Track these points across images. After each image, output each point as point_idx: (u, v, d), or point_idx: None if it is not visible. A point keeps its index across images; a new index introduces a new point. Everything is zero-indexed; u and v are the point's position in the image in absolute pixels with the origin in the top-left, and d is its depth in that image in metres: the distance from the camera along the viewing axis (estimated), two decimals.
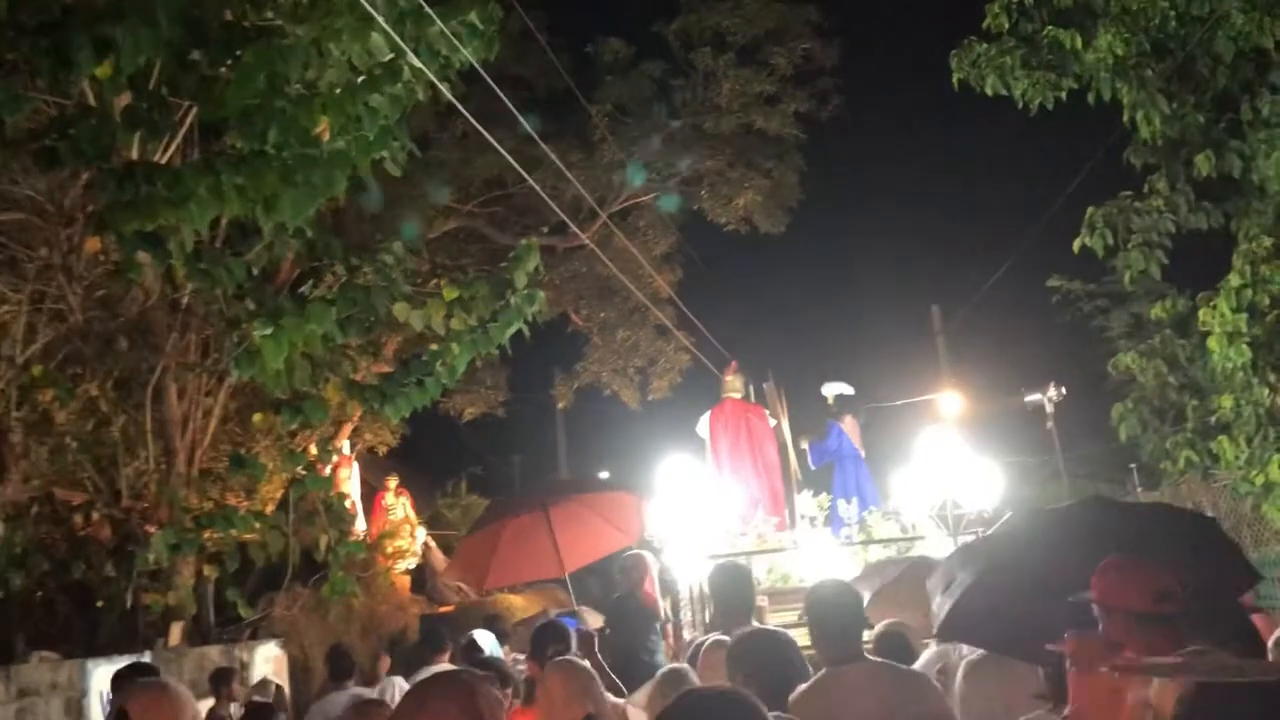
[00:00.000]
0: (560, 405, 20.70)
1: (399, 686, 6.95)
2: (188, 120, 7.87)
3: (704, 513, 9.58)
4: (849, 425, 11.25)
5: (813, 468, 11.26)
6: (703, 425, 10.98)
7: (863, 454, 11.16)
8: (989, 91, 9.65)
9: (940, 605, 3.72)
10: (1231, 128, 9.31)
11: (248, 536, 8.98)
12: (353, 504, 13.55)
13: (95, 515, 9.42)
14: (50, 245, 8.35)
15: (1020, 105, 9.71)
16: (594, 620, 8.67)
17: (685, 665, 3.96)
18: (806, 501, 10.13)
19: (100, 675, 6.96)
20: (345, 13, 6.43)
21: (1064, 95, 9.57)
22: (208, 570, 9.31)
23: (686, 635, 9.09)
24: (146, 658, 7.49)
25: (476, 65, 7.75)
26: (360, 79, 6.60)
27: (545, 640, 5.20)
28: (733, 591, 5.24)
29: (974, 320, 20.80)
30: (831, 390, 11.45)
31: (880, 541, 9.39)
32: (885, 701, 3.62)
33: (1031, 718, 3.29)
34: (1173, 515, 4.45)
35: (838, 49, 17.05)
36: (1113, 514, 3.95)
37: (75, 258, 8.32)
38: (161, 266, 6.77)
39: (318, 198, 6.66)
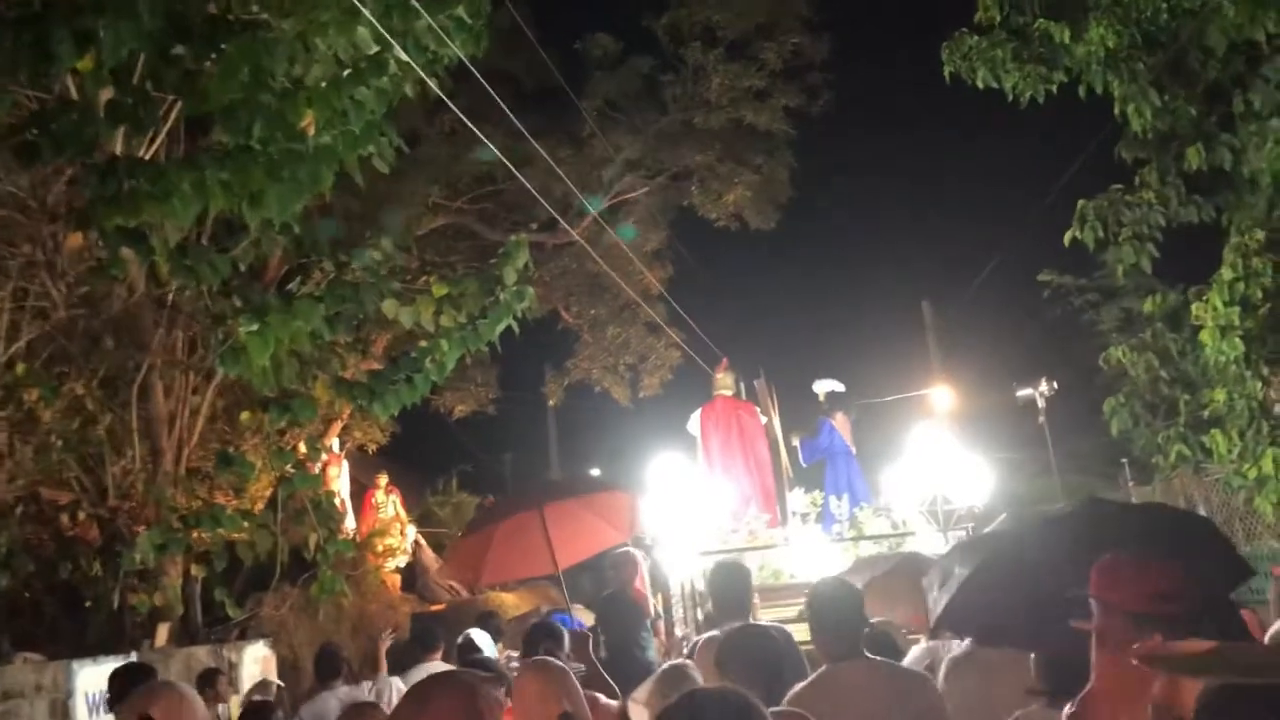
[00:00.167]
0: (551, 403, 20.66)
1: (396, 687, 6.89)
2: (172, 115, 7.80)
3: (695, 510, 9.58)
4: (840, 422, 11.25)
5: (804, 465, 11.27)
6: (694, 423, 10.98)
7: (854, 451, 11.16)
8: (980, 84, 9.61)
9: (937, 600, 3.70)
10: (1223, 121, 9.29)
11: (236, 535, 8.92)
12: (342, 502, 13.52)
13: (82, 515, 9.34)
14: (33, 242, 8.28)
15: (1011, 99, 9.67)
16: (586, 618, 8.65)
17: (688, 662, 3.94)
18: (798, 498, 10.13)
19: (86, 676, 6.89)
20: (331, 6, 6.36)
21: (1055, 89, 9.53)
22: (195, 570, 9.23)
23: (679, 632, 9.09)
24: (133, 659, 7.40)
25: (465, 60, 7.71)
26: (346, 73, 6.53)
27: (538, 639, 5.17)
28: (730, 589, 5.21)
29: (965, 315, 20.86)
30: (822, 387, 11.46)
31: (871, 538, 9.40)
32: (884, 699, 3.63)
33: (1027, 713, 3.25)
34: (1168, 514, 4.44)
35: (827, 44, 17.01)
36: (1110, 513, 3.93)
37: (58, 254, 8.24)
38: (145, 263, 6.69)
39: (304, 193, 6.59)
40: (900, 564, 6.69)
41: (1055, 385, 14.02)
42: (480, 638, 6.91)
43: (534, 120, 13.03)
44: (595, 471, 23.55)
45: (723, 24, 16.56)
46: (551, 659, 3.71)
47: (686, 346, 16.05)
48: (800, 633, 4.02)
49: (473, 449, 21.74)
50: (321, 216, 11.06)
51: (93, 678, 6.96)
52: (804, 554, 9.18)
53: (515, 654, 7.34)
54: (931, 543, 8.78)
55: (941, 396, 18.43)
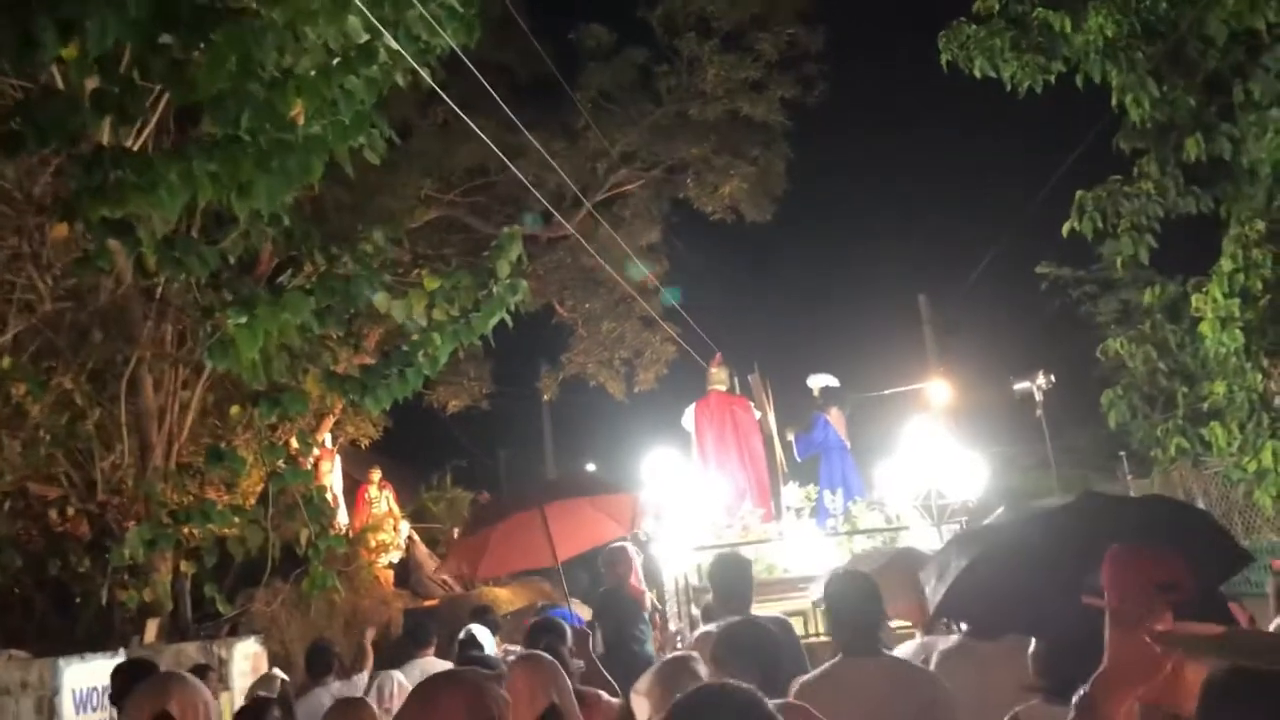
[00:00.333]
0: (545, 397, 20.61)
1: (397, 680, 6.83)
2: (161, 106, 7.71)
3: (690, 505, 9.54)
4: (835, 417, 11.22)
5: (799, 460, 11.23)
6: (688, 418, 10.97)
7: (848, 445, 11.12)
8: (977, 74, 9.55)
9: (935, 590, 3.67)
10: (1222, 111, 9.23)
11: (226, 531, 8.85)
12: (334, 497, 13.44)
13: (71, 510, 9.25)
14: (19, 234, 8.19)
15: (1009, 88, 9.61)
16: (583, 613, 8.61)
17: (691, 653, 3.91)
18: (792, 493, 10.09)
19: (72, 674, 6.81)
20: None
21: (1053, 78, 9.47)
22: (185, 566, 9.15)
23: (672, 626, 9.07)
24: (120, 655, 7.32)
25: (457, 50, 7.63)
26: (335, 61, 6.44)
27: (540, 634, 5.16)
28: (732, 582, 5.23)
29: (962, 309, 20.81)
30: (817, 382, 11.43)
31: (865, 532, 9.36)
32: (892, 695, 3.66)
33: (1028, 708, 3.20)
34: (1164, 505, 4.41)
35: (823, 35, 16.96)
36: (1106, 505, 3.91)
37: (44, 246, 8.16)
38: (132, 254, 6.60)
39: (293, 184, 6.50)
40: (895, 559, 6.63)
41: (1053, 378, 13.95)
42: (481, 633, 6.88)
43: (527, 112, 12.97)
44: (591, 467, 23.56)
45: (717, 14, 16.49)
46: (542, 653, 3.71)
47: (682, 341, 16.00)
48: (798, 626, 4.03)
49: (467, 444, 21.74)
50: (313, 208, 11.01)
51: (79, 675, 6.88)
52: (798, 548, 9.15)
53: (514, 648, 7.32)
54: (925, 537, 8.75)
55: (938, 390, 18.39)
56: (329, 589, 8.93)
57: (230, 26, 5.91)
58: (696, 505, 9.60)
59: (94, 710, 6.90)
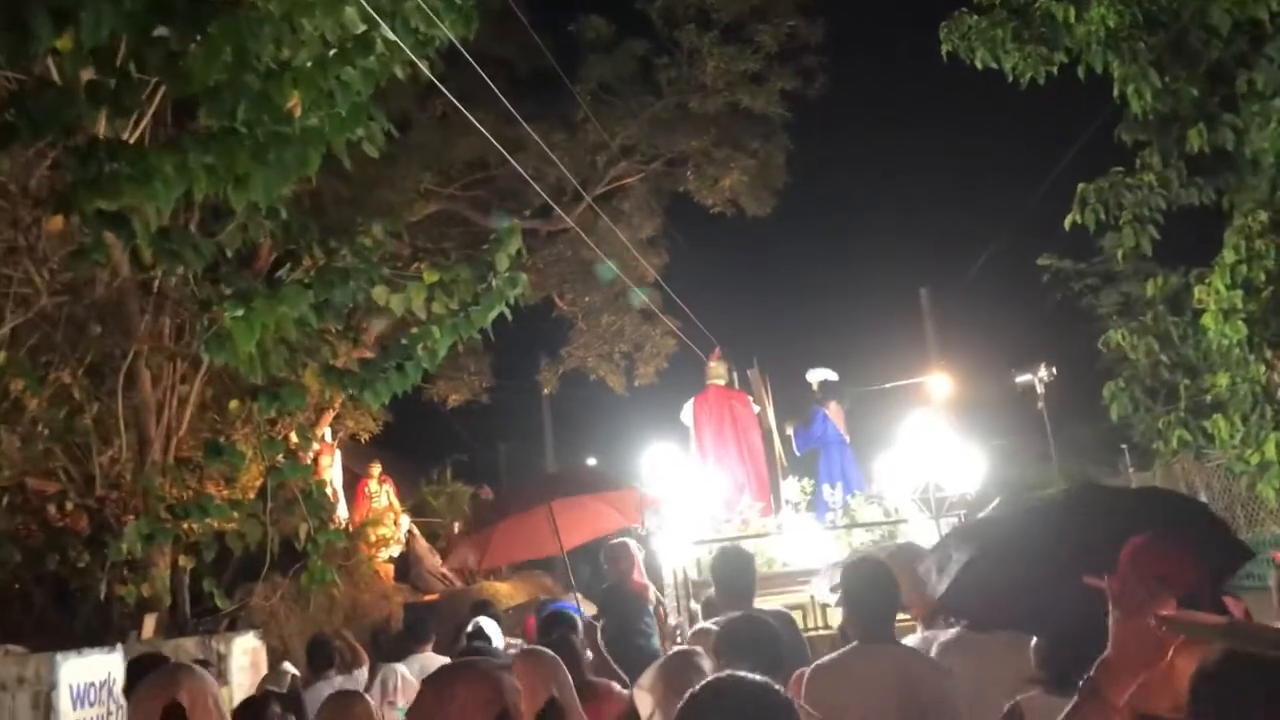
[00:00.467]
0: (546, 391, 20.59)
1: (400, 673, 6.80)
2: (157, 97, 7.66)
3: (689, 499, 9.53)
4: (834, 411, 11.19)
5: (798, 454, 11.21)
6: (686, 413, 10.97)
7: (847, 440, 11.10)
8: (979, 65, 9.50)
9: (937, 584, 3.66)
10: (1225, 101, 9.18)
11: (225, 525, 8.83)
12: (334, 491, 13.42)
13: (69, 505, 9.23)
14: (15, 227, 8.15)
15: (1011, 79, 9.56)
16: (587, 608, 8.62)
17: (696, 648, 3.90)
18: (791, 487, 10.07)
19: (69, 669, 6.78)
20: None
21: (1055, 70, 9.42)
22: (184, 560, 9.13)
23: (671, 620, 9.06)
24: (119, 651, 7.31)
25: (455, 41, 7.59)
26: (332, 53, 6.40)
27: (552, 626, 5.17)
28: (734, 575, 5.22)
29: (963, 302, 20.78)
30: (816, 376, 11.40)
31: (863, 525, 9.34)
32: (899, 686, 3.68)
33: (1029, 699, 3.18)
34: (1163, 497, 4.40)
35: (823, 26, 16.89)
36: (1104, 497, 3.90)
37: (40, 239, 8.12)
38: (127, 247, 6.57)
39: (290, 176, 6.47)
40: (895, 554, 6.61)
41: (1054, 371, 13.95)
42: (489, 625, 6.90)
43: (527, 105, 12.92)
44: (591, 461, 23.52)
45: (717, 6, 16.42)
46: (543, 649, 3.73)
47: (682, 334, 15.96)
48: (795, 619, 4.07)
49: (467, 438, 21.73)
50: (311, 202, 10.97)
51: (76, 670, 6.85)
52: (797, 542, 9.13)
53: (517, 642, 7.32)
54: (924, 530, 8.73)
55: (939, 384, 18.37)
56: (328, 584, 8.91)
57: (226, 18, 5.87)
58: (695, 499, 9.57)
59: (91, 705, 6.88)
